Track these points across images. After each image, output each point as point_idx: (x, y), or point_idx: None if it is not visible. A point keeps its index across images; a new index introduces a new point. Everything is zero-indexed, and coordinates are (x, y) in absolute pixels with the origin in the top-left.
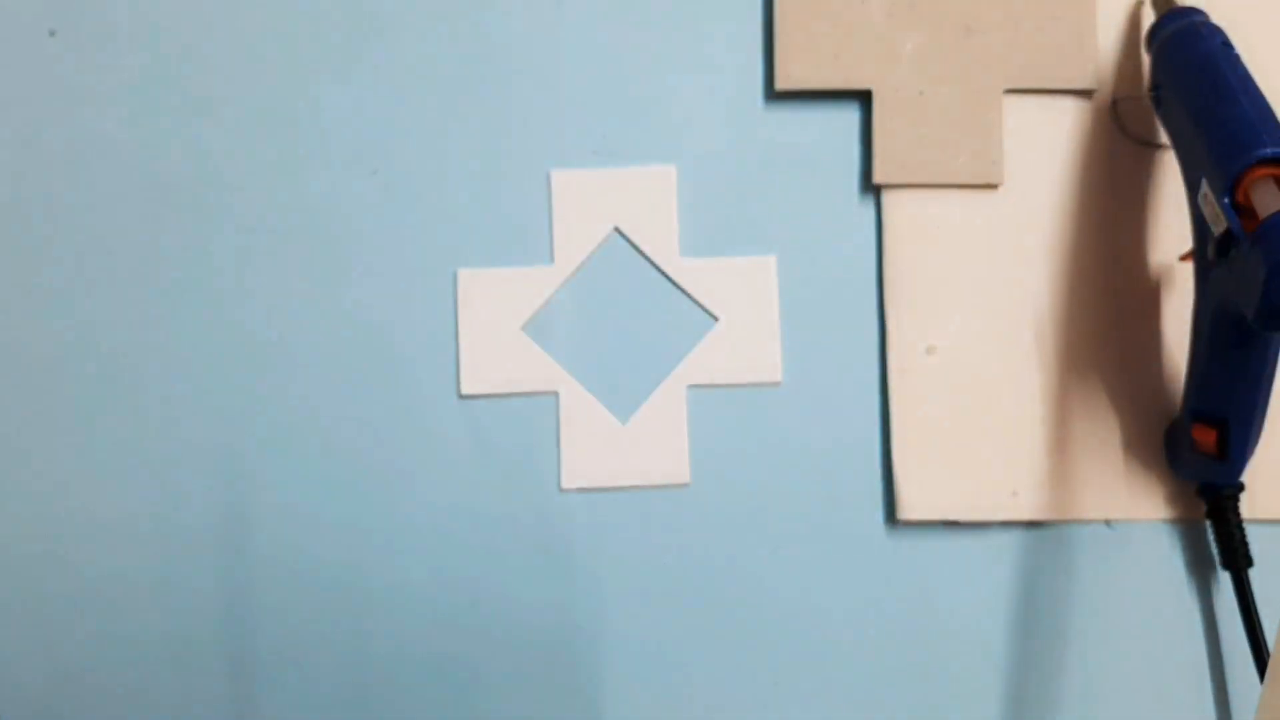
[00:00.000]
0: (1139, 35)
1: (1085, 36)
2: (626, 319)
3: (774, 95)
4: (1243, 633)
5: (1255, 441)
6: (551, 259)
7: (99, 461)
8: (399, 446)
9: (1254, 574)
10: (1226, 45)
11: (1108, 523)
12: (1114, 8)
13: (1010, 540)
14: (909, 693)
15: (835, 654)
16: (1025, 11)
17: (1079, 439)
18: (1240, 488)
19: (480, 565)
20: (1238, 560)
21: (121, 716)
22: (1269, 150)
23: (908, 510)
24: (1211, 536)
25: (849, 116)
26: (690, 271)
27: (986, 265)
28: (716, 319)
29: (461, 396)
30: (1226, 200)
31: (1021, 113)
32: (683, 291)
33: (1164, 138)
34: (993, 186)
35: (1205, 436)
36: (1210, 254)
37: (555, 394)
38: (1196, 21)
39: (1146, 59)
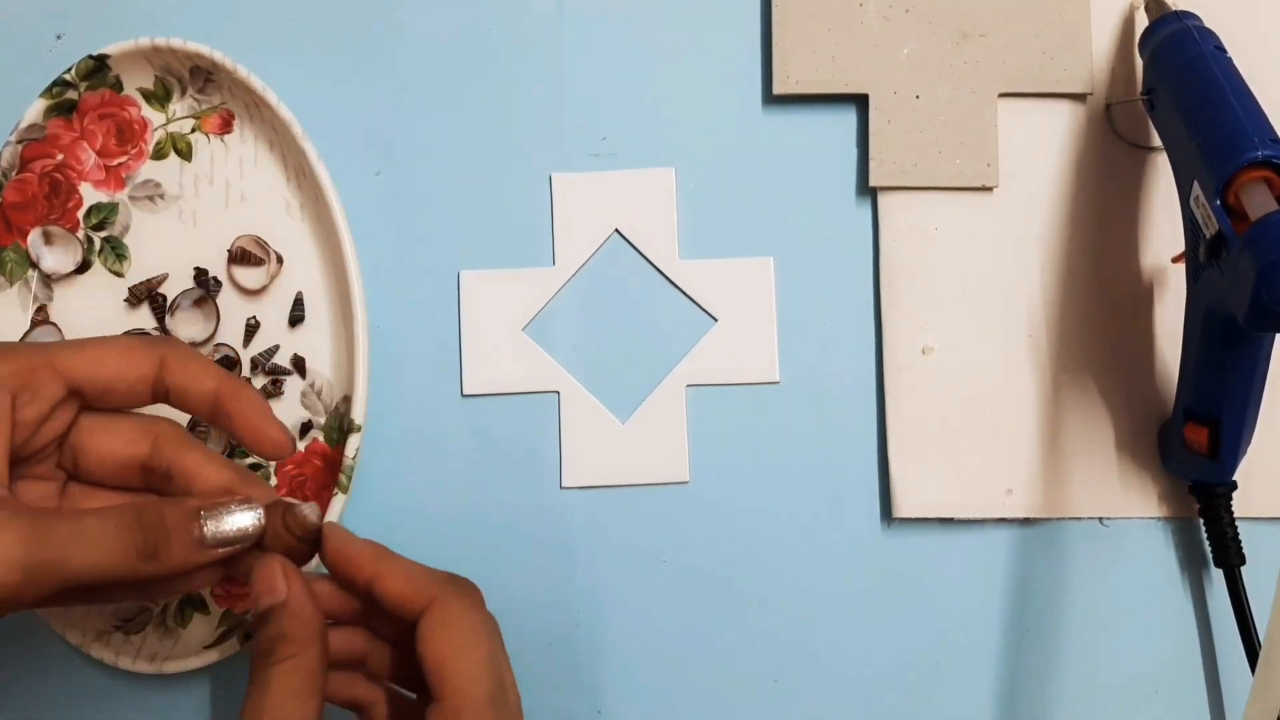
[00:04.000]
0: (1133, 39)
1: (1080, 41)
2: (626, 320)
3: (772, 99)
4: (1235, 629)
5: (1247, 440)
6: (553, 261)
7: None
8: (402, 445)
9: (1246, 571)
10: (1219, 49)
11: (1102, 521)
12: (1108, 12)
13: (1005, 538)
14: (905, 688)
15: (832, 650)
16: (1020, 16)
17: (1073, 438)
18: (1232, 486)
19: (482, 562)
20: (1230, 558)
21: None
22: (1260, 153)
23: (904, 508)
24: (1204, 534)
25: (846, 120)
26: (689, 273)
27: (982, 267)
28: (715, 319)
29: (464, 396)
30: (1218, 202)
31: (1016, 116)
32: (682, 292)
33: (1157, 141)
34: (988, 189)
35: (1197, 435)
36: (1202, 255)
37: (556, 394)
38: (1190, 26)
39: (1140, 63)
